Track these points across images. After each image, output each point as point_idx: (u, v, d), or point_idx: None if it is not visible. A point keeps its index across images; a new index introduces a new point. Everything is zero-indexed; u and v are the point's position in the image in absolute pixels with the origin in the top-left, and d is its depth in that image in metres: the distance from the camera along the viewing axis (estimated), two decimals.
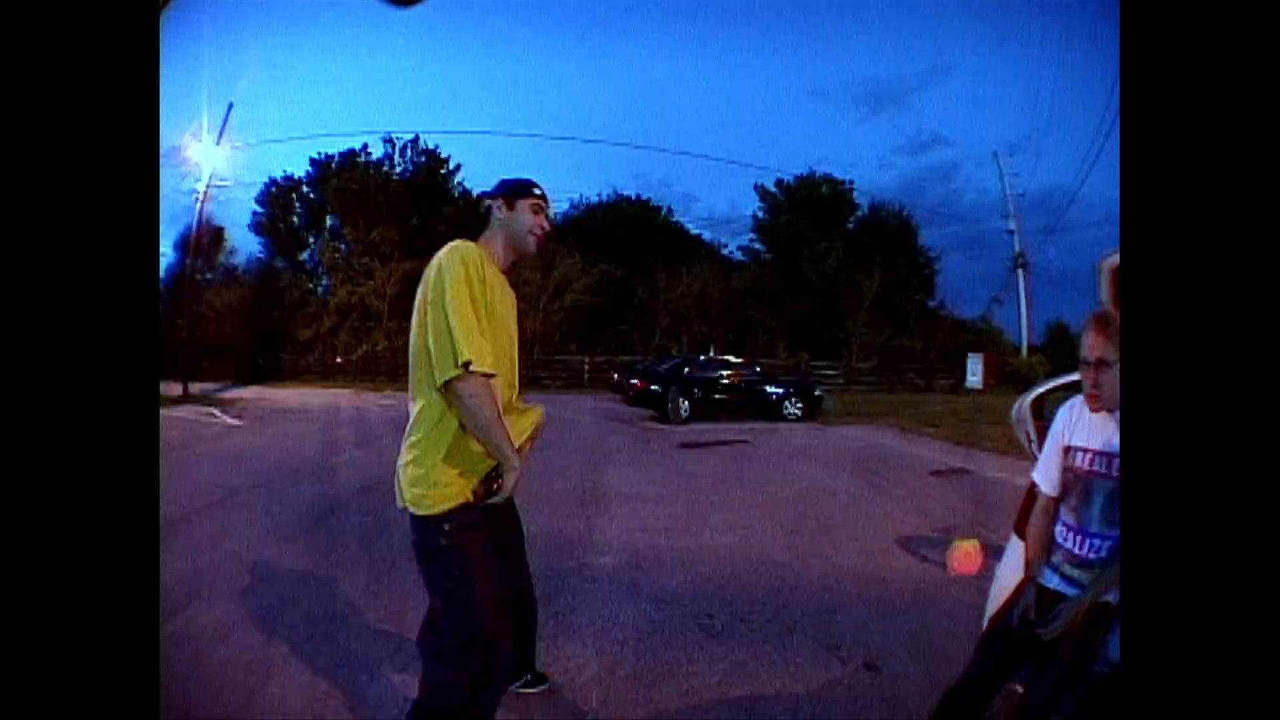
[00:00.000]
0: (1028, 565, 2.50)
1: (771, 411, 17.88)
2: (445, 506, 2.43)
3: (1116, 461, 2.29)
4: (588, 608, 4.36)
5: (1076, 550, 2.37)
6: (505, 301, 2.65)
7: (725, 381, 18.25)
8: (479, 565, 2.50)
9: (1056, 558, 2.44)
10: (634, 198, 44.21)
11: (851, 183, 42.20)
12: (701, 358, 21.25)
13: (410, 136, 40.80)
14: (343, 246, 38.54)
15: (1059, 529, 2.46)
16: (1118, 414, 2.31)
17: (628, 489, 8.35)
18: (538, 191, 2.76)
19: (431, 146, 40.98)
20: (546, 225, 2.80)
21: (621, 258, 36.20)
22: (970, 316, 38.13)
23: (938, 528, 6.67)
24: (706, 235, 45.97)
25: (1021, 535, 2.75)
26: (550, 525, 6.37)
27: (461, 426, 2.41)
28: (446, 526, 2.44)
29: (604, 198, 43.59)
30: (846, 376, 32.74)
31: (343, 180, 38.33)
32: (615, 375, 24.30)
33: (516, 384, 2.74)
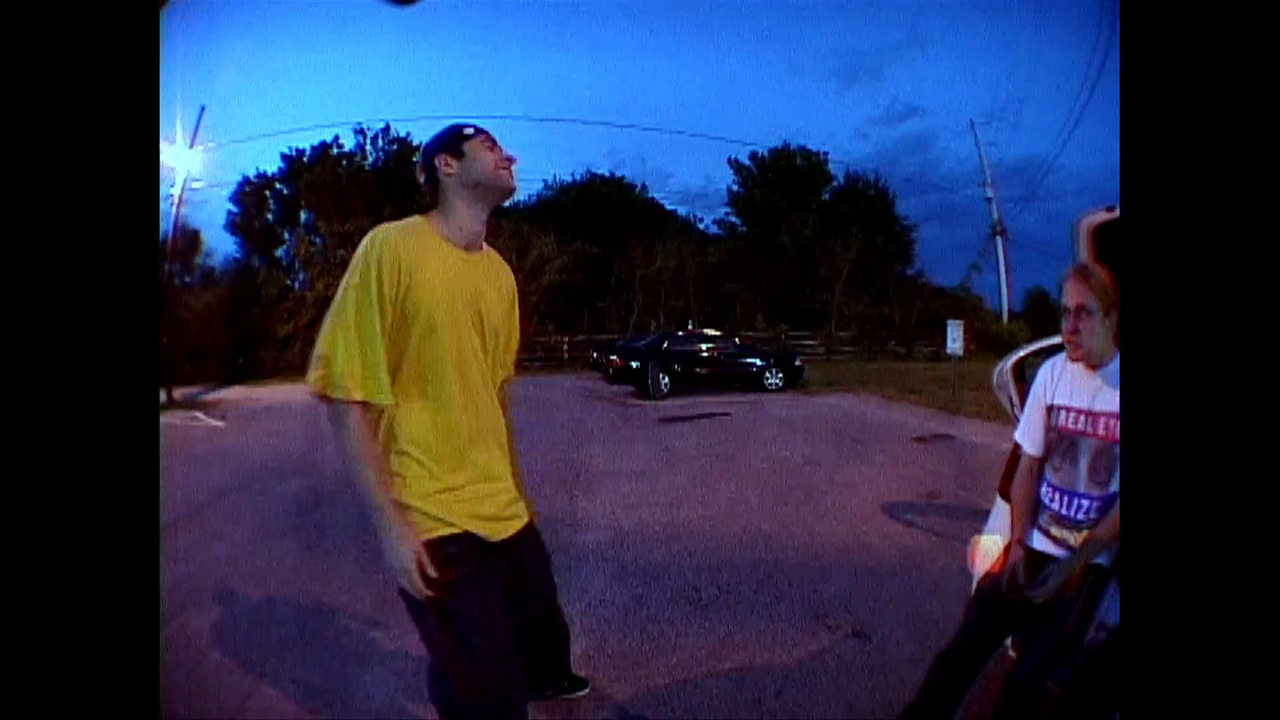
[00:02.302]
0: (1014, 528, 2.48)
1: (752, 383, 17.90)
2: (424, 536, 2.04)
3: (1101, 420, 2.26)
4: (573, 586, 4.33)
5: (1063, 511, 2.35)
6: (460, 288, 2.16)
7: (705, 355, 18.25)
8: (473, 608, 2.08)
9: (1043, 519, 2.42)
10: (608, 175, 43.97)
11: (826, 154, 42.28)
12: (680, 332, 21.25)
13: (381, 126, 40.42)
14: (317, 240, 38.20)
15: (1045, 490, 2.44)
16: (1101, 371, 2.29)
17: (609, 466, 8.33)
18: (471, 130, 2.25)
19: (403, 134, 40.55)
20: (508, 154, 2.27)
21: (597, 236, 35.98)
22: (949, 284, 38.30)
23: (922, 493, 6.70)
24: (682, 210, 46.02)
25: (1007, 498, 2.73)
26: (533, 505, 6.30)
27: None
28: (463, 551, 2.09)
29: (577, 177, 43.14)
30: (826, 346, 32.87)
31: (314, 174, 37.90)
32: (594, 353, 24.26)
33: (495, 404, 2.39)
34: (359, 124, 40.50)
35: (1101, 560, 2.22)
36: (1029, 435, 2.51)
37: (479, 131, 2.25)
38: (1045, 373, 2.50)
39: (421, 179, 2.30)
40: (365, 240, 2.06)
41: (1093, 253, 2.74)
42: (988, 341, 27.83)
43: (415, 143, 40.53)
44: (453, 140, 2.22)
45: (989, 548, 2.77)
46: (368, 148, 40.43)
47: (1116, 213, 2.70)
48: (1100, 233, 2.70)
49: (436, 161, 2.21)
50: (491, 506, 2.26)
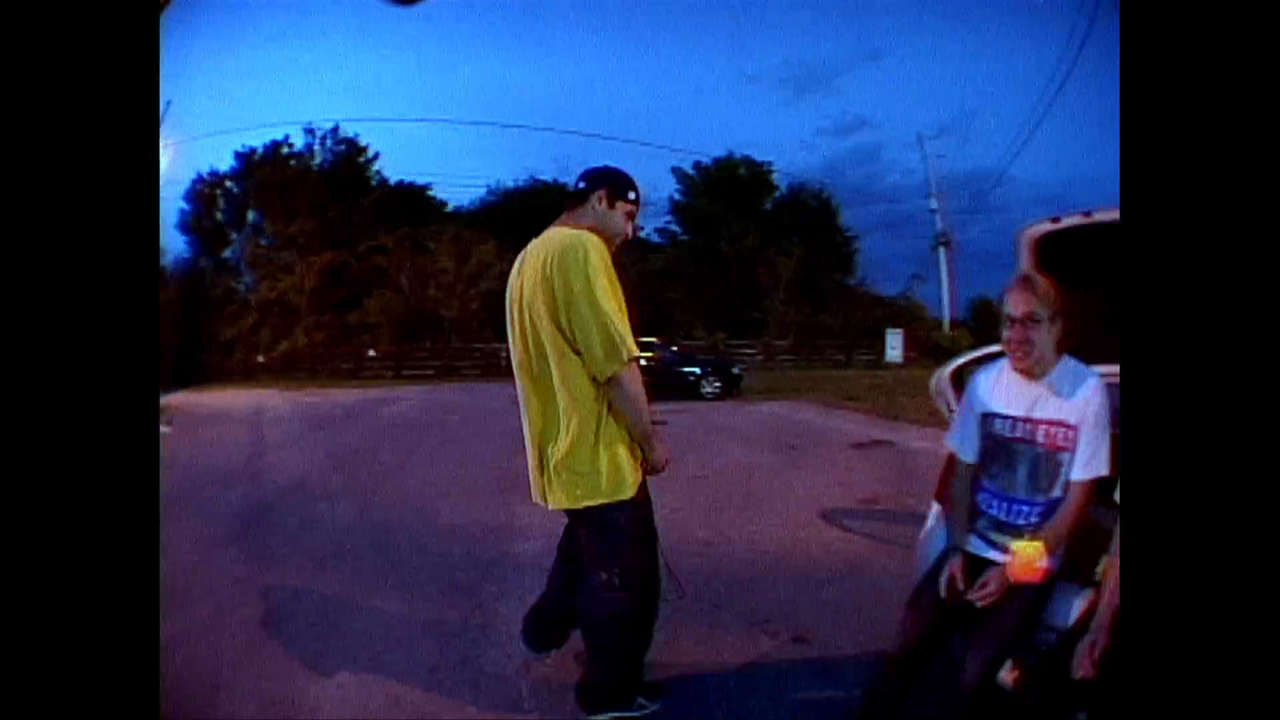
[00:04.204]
0: (951, 533, 2.48)
1: (690, 391, 17.96)
2: (634, 487, 2.65)
3: (1042, 428, 2.27)
4: (511, 594, 4.25)
5: (1003, 517, 2.35)
6: None
7: (642, 363, 18.20)
8: (651, 523, 2.81)
9: (982, 524, 2.42)
10: (551, 182, 43.79)
11: (770, 164, 42.54)
12: None
13: (330, 126, 39.73)
14: (264, 241, 37.44)
15: (983, 496, 2.44)
16: (1044, 380, 2.29)
17: None
18: (634, 196, 2.75)
19: (350, 135, 39.94)
20: (630, 233, 2.79)
21: None
22: (891, 294, 38.89)
23: (861, 499, 6.75)
24: None
25: (944, 502, 2.73)
26: (469, 514, 6.26)
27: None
28: (637, 498, 2.65)
29: (520, 182, 42.76)
30: (765, 354, 33.15)
31: (264, 173, 37.16)
32: None
33: None
34: (309, 123, 39.77)
35: (1050, 563, 2.22)
36: (964, 442, 2.51)
37: (637, 199, 2.78)
38: (982, 380, 2.50)
39: (577, 187, 2.79)
40: (576, 245, 2.48)
41: (1035, 263, 2.77)
42: (929, 349, 28.33)
43: (363, 144, 40.00)
44: (616, 189, 2.74)
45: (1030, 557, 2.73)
46: (316, 148, 39.74)
47: (1061, 223, 2.74)
48: (1043, 243, 2.74)
49: (599, 192, 2.73)
50: None
